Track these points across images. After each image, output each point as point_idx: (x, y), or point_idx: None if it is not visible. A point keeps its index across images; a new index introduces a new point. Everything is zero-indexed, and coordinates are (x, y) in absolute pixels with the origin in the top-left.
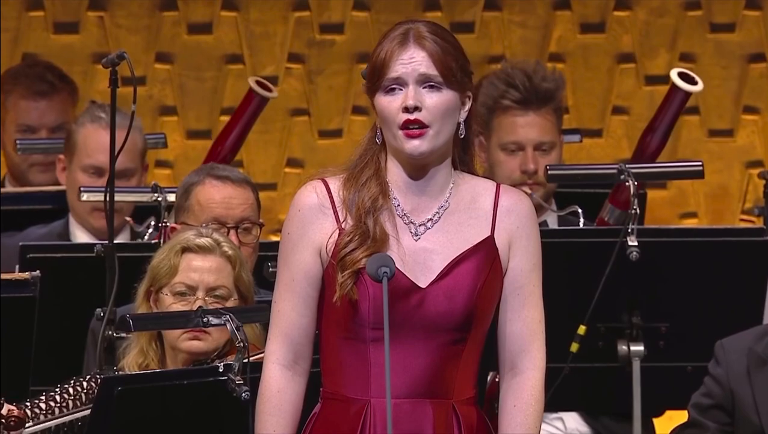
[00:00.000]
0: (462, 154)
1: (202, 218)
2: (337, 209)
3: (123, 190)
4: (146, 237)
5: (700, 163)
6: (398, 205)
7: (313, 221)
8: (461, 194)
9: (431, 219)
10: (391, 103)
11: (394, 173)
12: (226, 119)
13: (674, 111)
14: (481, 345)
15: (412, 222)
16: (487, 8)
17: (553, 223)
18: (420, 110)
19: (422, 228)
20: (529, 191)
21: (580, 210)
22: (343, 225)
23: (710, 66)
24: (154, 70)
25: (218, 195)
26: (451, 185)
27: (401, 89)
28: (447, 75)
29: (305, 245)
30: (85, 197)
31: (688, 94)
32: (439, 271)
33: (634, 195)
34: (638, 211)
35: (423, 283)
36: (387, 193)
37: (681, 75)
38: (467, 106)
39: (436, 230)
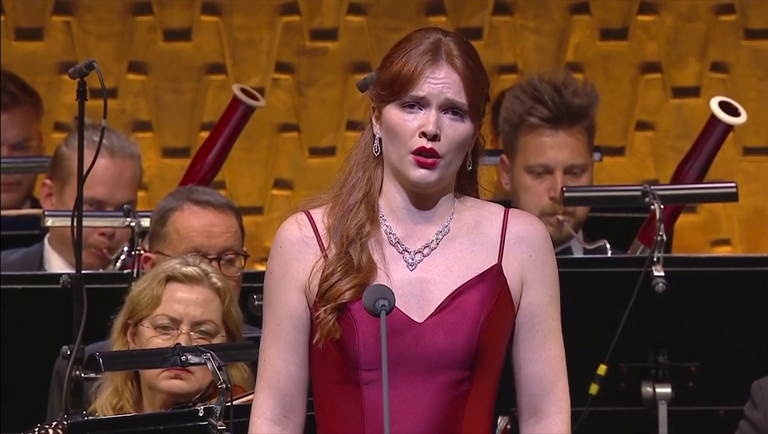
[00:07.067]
0: (466, 185)
1: (181, 249)
2: (322, 239)
3: (92, 214)
4: (118, 264)
5: (733, 184)
6: (390, 232)
7: (296, 256)
8: (464, 219)
9: (428, 246)
10: (407, 123)
11: (391, 196)
12: (206, 135)
13: (713, 145)
14: (493, 384)
15: (406, 250)
16: (497, 12)
17: (578, 251)
18: (438, 139)
19: (418, 256)
20: (562, 218)
21: (608, 245)
22: (328, 255)
23: (745, 77)
24: (126, 81)
25: (198, 223)
26: (453, 210)
27: (421, 108)
28: (473, 105)
29: (288, 284)
30: (50, 222)
31: (729, 126)
32: (438, 303)
33: (660, 220)
34: (665, 238)
35: (419, 317)
36: (376, 219)
37: (722, 105)
38: (476, 136)
39: (434, 258)
